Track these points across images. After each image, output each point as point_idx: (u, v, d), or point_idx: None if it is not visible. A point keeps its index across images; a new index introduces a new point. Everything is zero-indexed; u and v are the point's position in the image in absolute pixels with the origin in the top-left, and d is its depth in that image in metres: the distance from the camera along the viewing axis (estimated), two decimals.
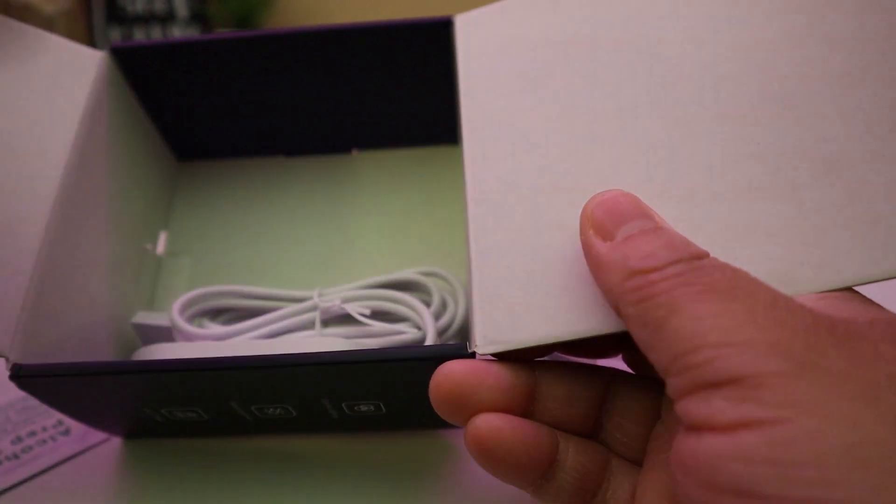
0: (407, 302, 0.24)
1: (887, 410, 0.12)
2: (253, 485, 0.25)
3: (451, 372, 0.18)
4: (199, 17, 1.45)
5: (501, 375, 0.18)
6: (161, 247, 0.30)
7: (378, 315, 0.25)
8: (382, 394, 0.21)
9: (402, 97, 0.30)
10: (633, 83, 0.20)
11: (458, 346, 0.19)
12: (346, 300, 0.25)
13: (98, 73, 0.27)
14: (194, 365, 0.20)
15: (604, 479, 0.18)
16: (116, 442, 0.26)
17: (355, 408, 0.22)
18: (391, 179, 0.32)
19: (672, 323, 0.14)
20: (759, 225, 0.17)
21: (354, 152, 0.33)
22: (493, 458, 0.17)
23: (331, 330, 0.25)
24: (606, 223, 0.17)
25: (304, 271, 0.29)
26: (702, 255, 0.15)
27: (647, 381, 0.19)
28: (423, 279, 0.25)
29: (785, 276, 0.16)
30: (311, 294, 0.25)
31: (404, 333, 0.24)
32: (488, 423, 0.17)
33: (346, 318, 0.25)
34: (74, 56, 0.26)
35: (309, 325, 0.25)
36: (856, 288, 0.17)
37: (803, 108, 0.18)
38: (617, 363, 0.20)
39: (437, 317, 0.24)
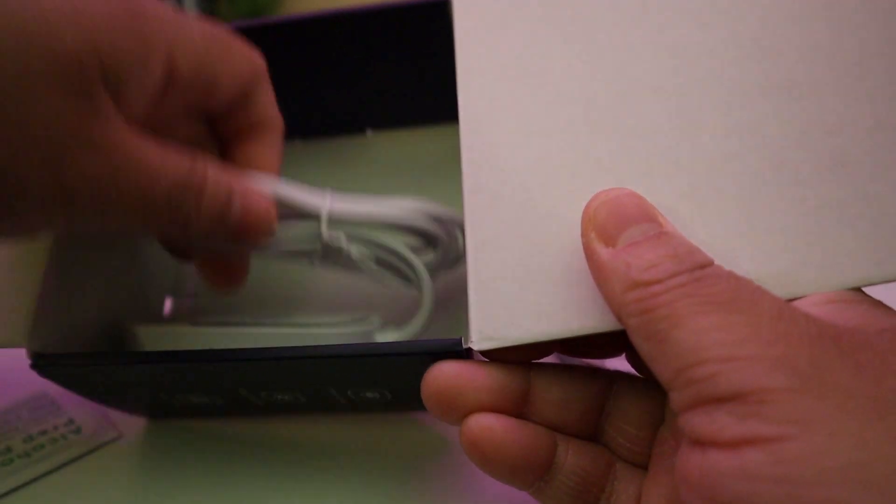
0: (414, 265, 0.24)
1: (894, 427, 0.12)
2: (261, 472, 0.26)
3: (440, 372, 0.18)
4: (208, 16, 1.47)
5: (492, 377, 0.18)
6: None
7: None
8: (386, 383, 0.22)
9: (412, 76, 0.30)
10: (635, 68, 0.20)
11: (453, 341, 0.19)
12: (354, 239, 0.24)
13: None
14: (199, 357, 0.21)
15: (607, 483, 0.19)
16: (126, 440, 0.27)
17: (361, 395, 0.23)
18: (404, 159, 0.32)
19: (674, 336, 0.14)
20: (761, 222, 0.17)
21: (369, 133, 0.33)
22: (486, 457, 0.18)
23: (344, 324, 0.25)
24: (609, 227, 0.17)
25: None
26: (705, 264, 0.15)
27: (650, 384, 0.19)
28: (433, 229, 0.24)
29: (786, 277, 0.16)
30: (319, 204, 0.23)
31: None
32: (480, 423, 0.18)
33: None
34: None
35: (311, 243, 0.23)
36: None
37: (810, 98, 0.18)
38: (619, 363, 0.20)
39: (435, 269, 0.24)
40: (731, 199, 0.17)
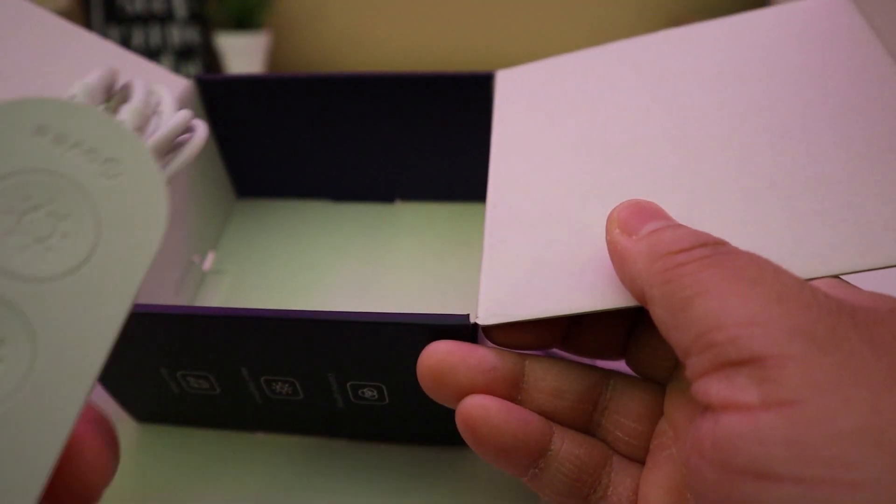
0: None
1: None
2: (251, 476, 0.26)
3: (434, 349, 0.19)
4: (197, 17, 1.48)
5: (486, 357, 0.19)
6: (208, 264, 0.34)
7: None
8: (385, 372, 0.23)
9: (447, 154, 0.34)
10: (650, 120, 0.23)
11: (460, 316, 0.20)
12: None
13: (181, 98, 0.31)
14: (207, 312, 0.21)
15: (603, 475, 0.19)
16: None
17: (360, 392, 0.24)
18: (428, 228, 0.35)
19: (698, 302, 0.15)
20: (753, 225, 0.19)
21: (398, 202, 0.37)
22: (479, 437, 0.18)
23: None
24: (632, 221, 0.18)
25: (335, 297, 0.32)
26: (724, 243, 0.16)
27: (648, 382, 0.20)
28: None
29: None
30: None
31: None
32: (475, 403, 0.18)
33: None
34: (162, 80, 0.31)
35: None
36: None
37: (800, 137, 0.20)
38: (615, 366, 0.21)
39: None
40: (726, 209, 0.20)
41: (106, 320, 0.15)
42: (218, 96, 0.33)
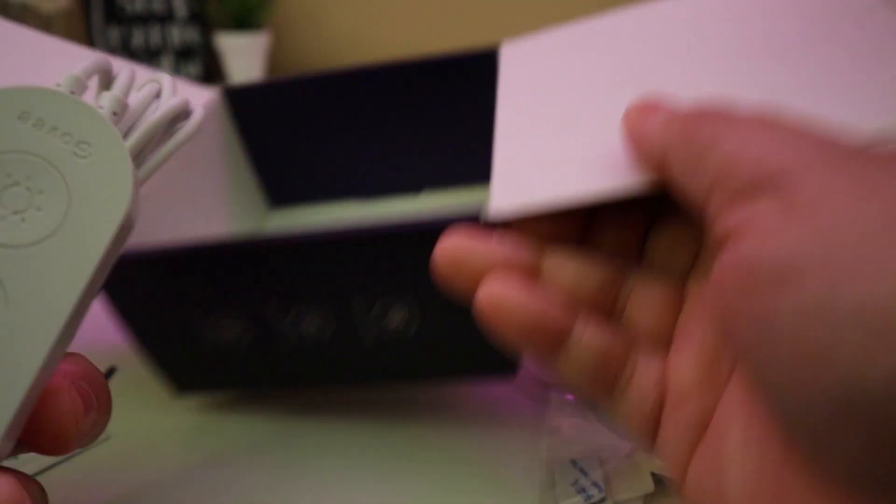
0: None
1: None
2: (253, 475, 0.27)
3: (450, 237, 0.19)
4: (197, 16, 1.48)
5: (502, 242, 0.19)
6: None
7: None
8: (413, 285, 0.23)
9: (467, 136, 0.35)
10: (647, 77, 0.24)
11: (472, 213, 0.21)
12: None
13: (209, 108, 0.32)
14: (241, 241, 0.22)
15: (628, 363, 0.19)
16: (116, 440, 0.29)
17: (389, 313, 0.24)
18: None
19: (718, 144, 0.15)
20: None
21: (425, 192, 0.38)
22: (501, 318, 0.18)
23: None
24: (648, 104, 0.18)
25: None
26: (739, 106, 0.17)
27: (669, 276, 0.20)
28: None
29: None
30: None
31: None
32: (496, 284, 0.18)
33: None
34: (190, 92, 0.32)
35: None
36: None
37: (786, 61, 0.22)
38: None
39: None
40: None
41: (69, 284, 0.17)
42: (245, 105, 0.33)
